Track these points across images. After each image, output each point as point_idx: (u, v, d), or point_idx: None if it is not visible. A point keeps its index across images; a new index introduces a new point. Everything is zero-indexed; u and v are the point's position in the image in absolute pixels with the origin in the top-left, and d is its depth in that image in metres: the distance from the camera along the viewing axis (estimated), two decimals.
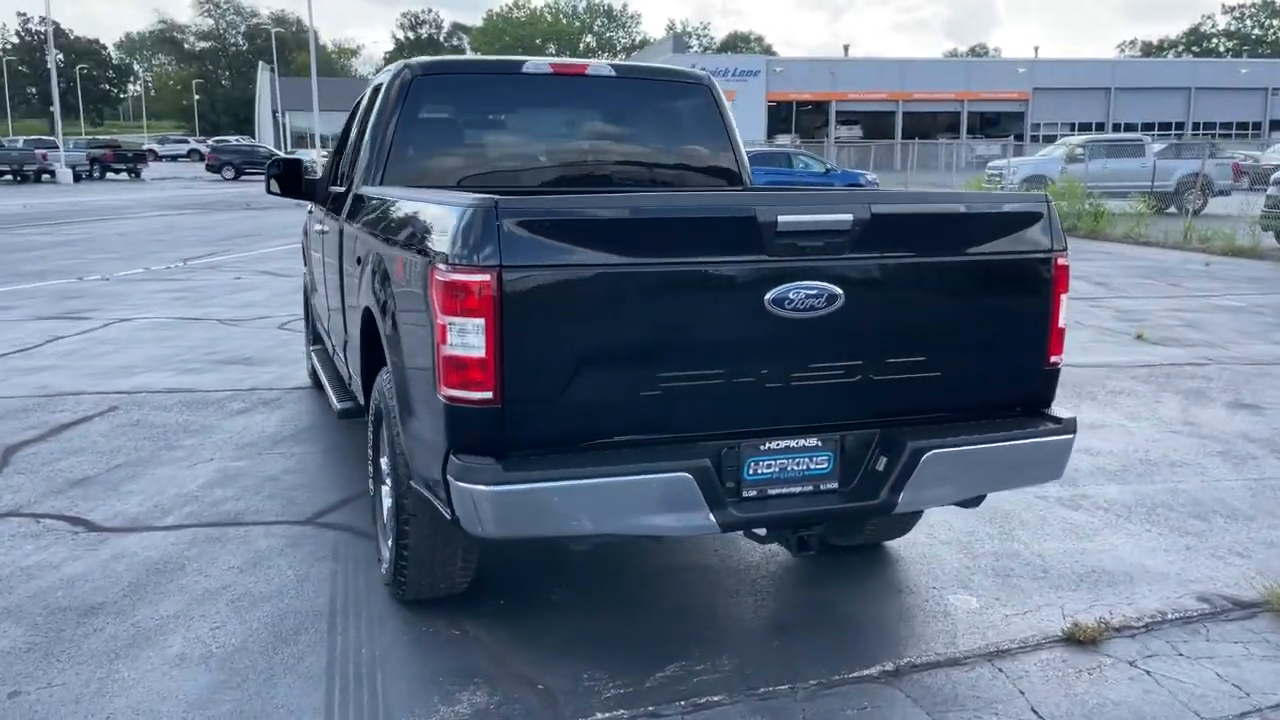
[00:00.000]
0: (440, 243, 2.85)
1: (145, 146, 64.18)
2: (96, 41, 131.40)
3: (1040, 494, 5.09)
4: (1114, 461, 5.66)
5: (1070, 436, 3.38)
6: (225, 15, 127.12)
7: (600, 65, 5.00)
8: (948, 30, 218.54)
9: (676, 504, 2.90)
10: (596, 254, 2.84)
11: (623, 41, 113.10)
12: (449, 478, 2.84)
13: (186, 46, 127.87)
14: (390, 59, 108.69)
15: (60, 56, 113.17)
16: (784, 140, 51.99)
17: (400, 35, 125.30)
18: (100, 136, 64.64)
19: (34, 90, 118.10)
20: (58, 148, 46.10)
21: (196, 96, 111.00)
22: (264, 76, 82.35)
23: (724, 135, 5.14)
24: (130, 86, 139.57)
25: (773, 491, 3.14)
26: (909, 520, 4.23)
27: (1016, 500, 4.98)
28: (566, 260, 2.81)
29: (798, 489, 3.17)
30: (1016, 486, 3.58)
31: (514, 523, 2.84)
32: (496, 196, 2.80)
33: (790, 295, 2.97)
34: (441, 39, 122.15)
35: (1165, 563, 4.27)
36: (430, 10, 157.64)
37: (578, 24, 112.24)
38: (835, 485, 3.20)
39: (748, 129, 53.99)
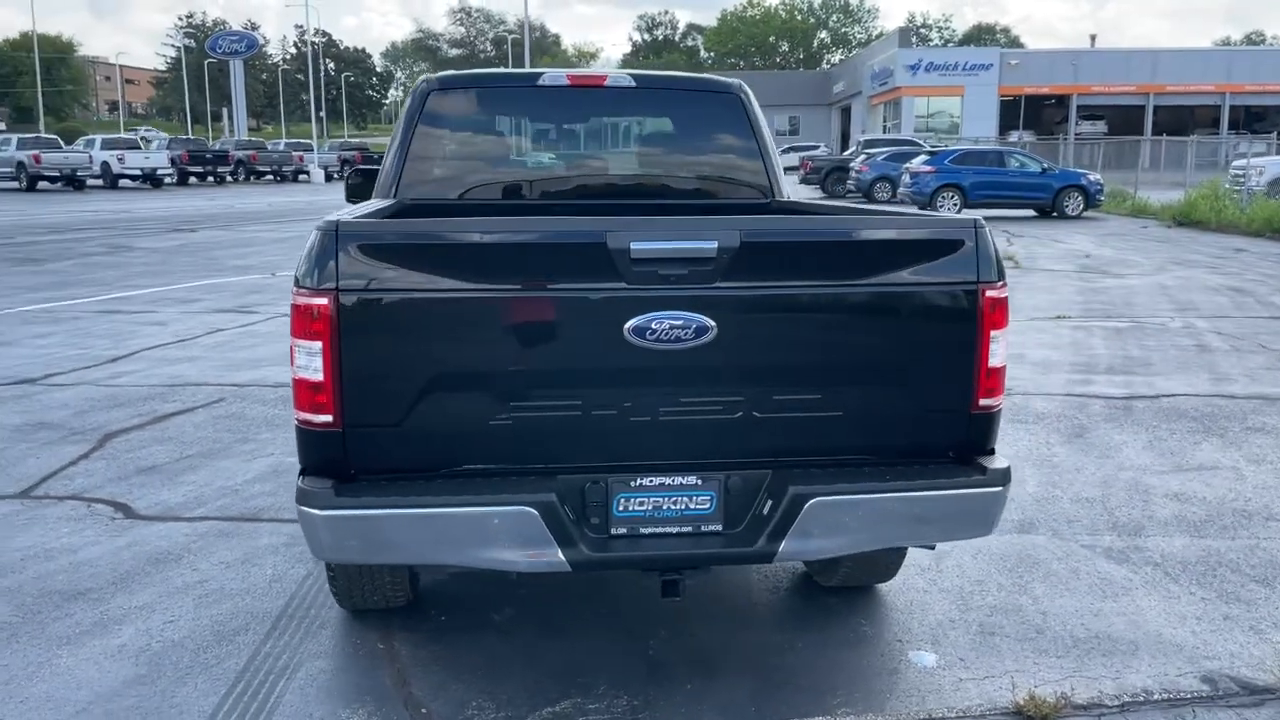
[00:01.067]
0: (299, 266, 2.87)
1: None
2: (363, 51, 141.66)
3: (1089, 542, 4.60)
4: (1201, 510, 5.03)
5: (997, 490, 3.02)
6: (476, 23, 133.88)
7: (620, 75, 4.90)
8: (1229, 16, 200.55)
9: (520, 540, 2.80)
10: (440, 279, 2.78)
11: (858, 36, 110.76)
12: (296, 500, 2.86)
13: (440, 54, 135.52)
14: (625, 63, 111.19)
15: (330, 66, 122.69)
16: (1015, 137, 49.39)
17: (637, 37, 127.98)
18: (351, 140, 69.58)
19: (306, 97, 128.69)
20: (312, 150, 50.05)
21: None
22: None
23: (753, 145, 4.92)
24: (391, 92, 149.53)
25: (646, 530, 2.98)
26: (891, 563, 3.91)
27: (1053, 547, 4.53)
28: (407, 284, 2.77)
29: (674, 529, 2.98)
30: (934, 541, 3.24)
31: (350, 549, 2.82)
32: (341, 220, 2.79)
33: (652, 325, 2.80)
34: (676, 39, 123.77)
35: (1188, 633, 3.75)
36: (666, 12, 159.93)
37: (812, 20, 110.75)
38: (719, 527, 2.99)
39: (977, 125, 51.67)
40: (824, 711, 3.22)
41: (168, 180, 39.18)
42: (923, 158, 27.09)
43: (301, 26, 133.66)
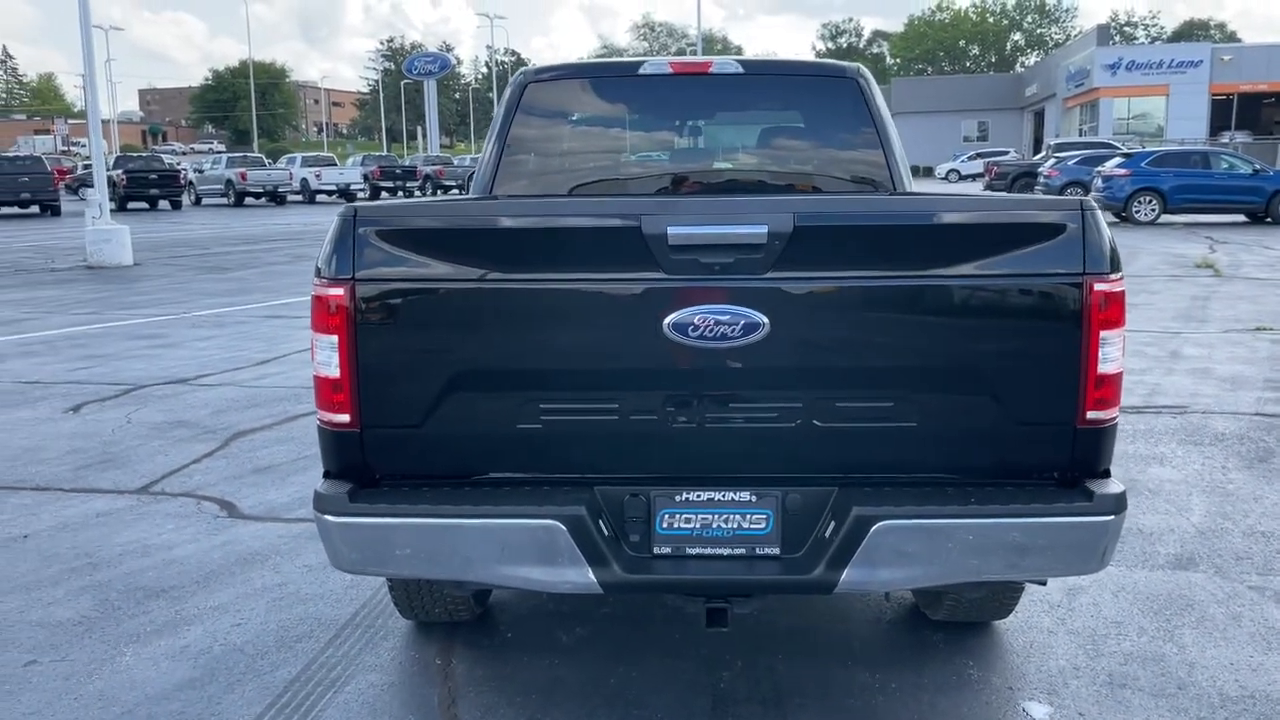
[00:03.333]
0: (319, 255, 2.70)
1: None
2: None
3: (1258, 583, 3.97)
4: None
5: (1106, 519, 2.53)
6: (659, 37, 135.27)
7: (726, 62, 4.58)
8: None
9: (545, 556, 2.53)
10: (465, 268, 2.55)
11: (1056, 37, 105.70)
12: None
13: None
14: None
15: None
16: (1226, 138, 45.76)
17: (820, 46, 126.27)
18: None
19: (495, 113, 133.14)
20: None
21: None
22: None
23: (872, 133, 4.50)
24: None
25: (693, 551, 2.65)
26: (1008, 597, 3.44)
27: (1213, 587, 3.92)
28: (430, 274, 2.55)
29: (726, 551, 2.65)
30: (1028, 577, 2.75)
31: (363, 559, 2.62)
32: (360, 205, 2.60)
33: (694, 321, 2.48)
34: (861, 47, 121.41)
35: None
36: (851, 19, 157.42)
37: (1005, 22, 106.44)
38: (776, 551, 2.64)
39: (1184, 127, 48.23)
40: None
41: (360, 195, 41.13)
42: (1117, 160, 25.37)
43: (491, 47, 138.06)
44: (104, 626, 3.73)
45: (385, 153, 74.43)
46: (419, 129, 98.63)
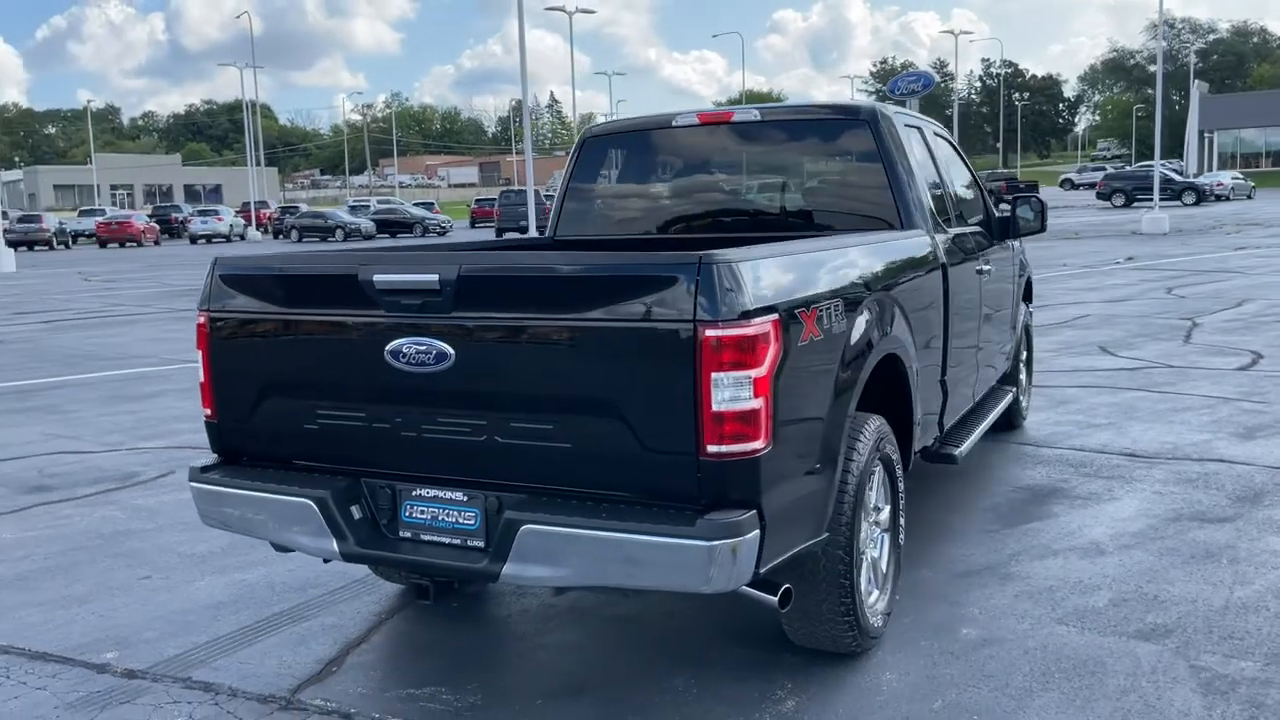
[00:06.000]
0: None
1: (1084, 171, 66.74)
2: (1052, 78, 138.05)
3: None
4: None
5: (711, 544, 2.74)
6: (1179, 34, 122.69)
7: (746, 110, 4.92)
8: None
9: (307, 528, 3.28)
10: (261, 303, 3.41)
11: None
12: None
13: (1136, 72, 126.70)
14: None
15: (1019, 96, 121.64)
16: None
17: None
18: (1002, 170, 68.28)
19: (989, 129, 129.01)
20: None
21: (1137, 120, 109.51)
22: (1195, 94, 77.97)
23: (880, 172, 4.60)
24: (1086, 117, 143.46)
25: (426, 538, 3.25)
26: (841, 631, 3.53)
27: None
28: (241, 308, 3.44)
29: (447, 540, 3.22)
30: (654, 586, 2.93)
31: (211, 517, 3.53)
32: (220, 256, 3.54)
33: (404, 349, 3.11)
34: None
35: None
36: None
37: None
38: (482, 544, 3.15)
39: None
40: None
41: None
42: None
43: (987, 60, 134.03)
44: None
45: None
46: None
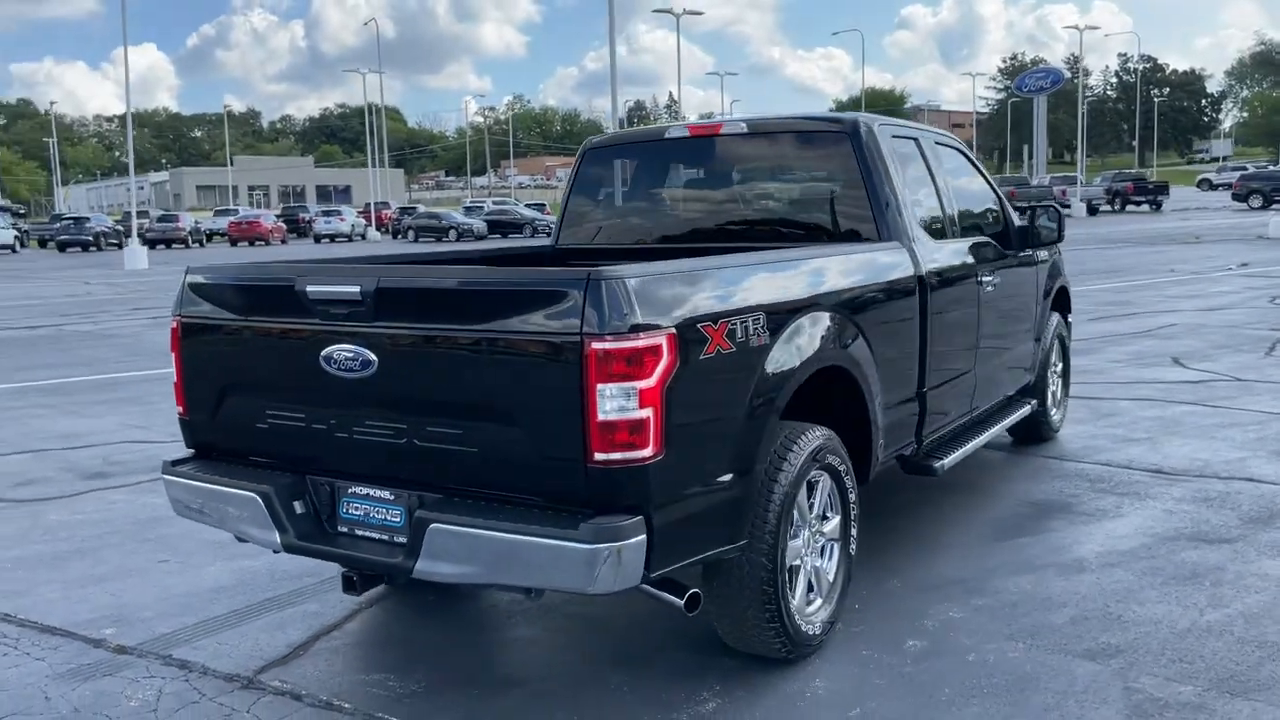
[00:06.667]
0: None
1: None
2: (1194, 73, 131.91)
3: None
4: None
5: (593, 547, 2.86)
6: None
7: (734, 122, 5.00)
8: None
9: (255, 520, 3.53)
10: (221, 310, 3.68)
11: None
12: None
13: None
14: None
15: (1158, 91, 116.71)
16: None
17: None
18: (1128, 170, 65.65)
19: (1125, 126, 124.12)
20: (1076, 183, 49.00)
21: None
22: None
23: (859, 183, 4.63)
24: (1232, 113, 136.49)
25: (360, 533, 3.46)
26: (769, 636, 3.60)
27: None
28: (205, 314, 3.71)
29: (377, 536, 3.41)
30: (548, 586, 3.04)
31: (178, 507, 3.81)
32: (191, 265, 3.81)
33: (334, 355, 3.32)
34: None
35: None
36: None
37: None
38: (405, 540, 3.33)
39: None
40: None
41: None
42: None
43: (1124, 54, 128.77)
44: None
45: (998, 174, 74.06)
46: (1025, 147, 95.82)
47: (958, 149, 5.80)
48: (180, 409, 3.88)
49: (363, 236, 53.74)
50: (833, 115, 4.87)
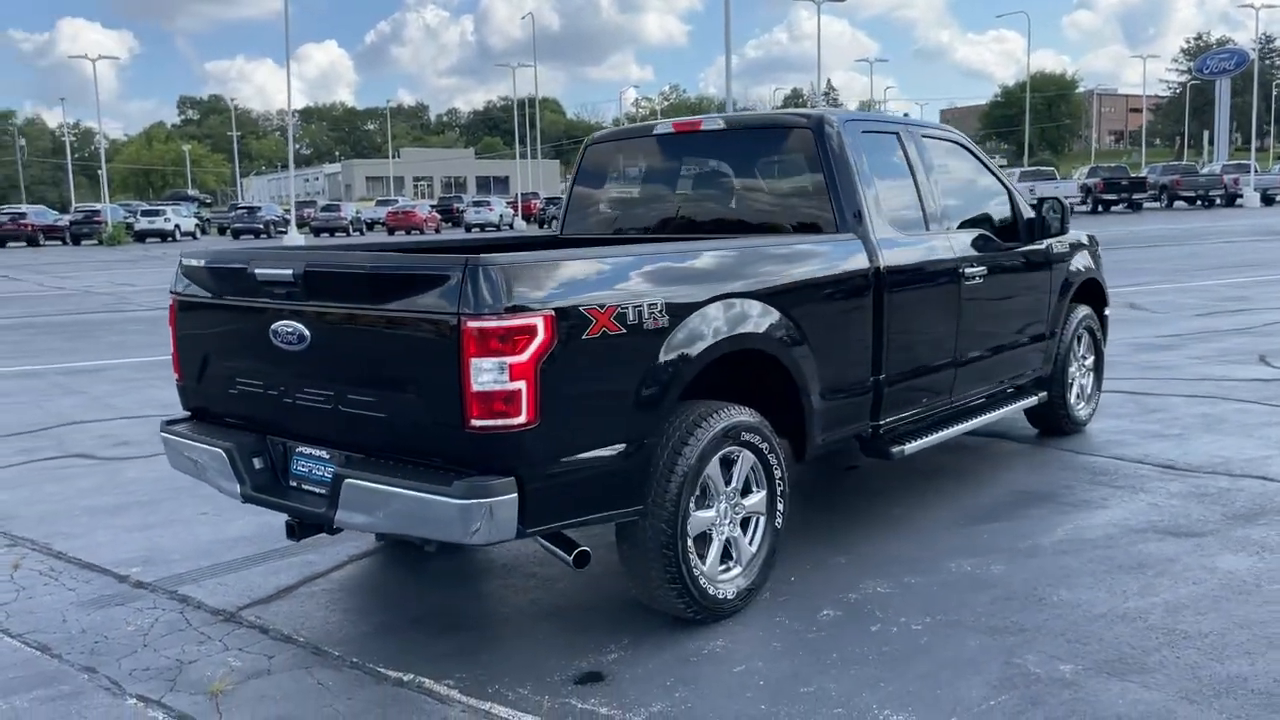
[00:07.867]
0: None
1: None
2: None
3: None
4: None
5: (461, 502, 3.23)
6: None
7: (713, 118, 5.26)
8: None
9: (222, 472, 4.04)
10: (202, 290, 4.21)
11: None
12: None
13: None
14: None
15: None
16: None
17: None
18: None
19: None
20: (1249, 171, 46.21)
21: None
22: None
23: (820, 179, 4.84)
24: None
25: (305, 488, 3.93)
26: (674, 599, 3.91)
27: None
28: (193, 293, 4.25)
29: (319, 490, 3.87)
30: (437, 537, 3.41)
31: (173, 462, 4.37)
32: (186, 247, 4.36)
33: (279, 330, 3.80)
34: None
35: None
36: None
37: None
38: (327, 492, 3.77)
39: None
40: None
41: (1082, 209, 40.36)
42: None
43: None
44: None
45: (1177, 161, 70.26)
46: (1204, 133, 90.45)
47: (958, 143, 5.88)
48: (177, 376, 4.45)
49: (510, 225, 55.43)
50: (800, 112, 5.06)
